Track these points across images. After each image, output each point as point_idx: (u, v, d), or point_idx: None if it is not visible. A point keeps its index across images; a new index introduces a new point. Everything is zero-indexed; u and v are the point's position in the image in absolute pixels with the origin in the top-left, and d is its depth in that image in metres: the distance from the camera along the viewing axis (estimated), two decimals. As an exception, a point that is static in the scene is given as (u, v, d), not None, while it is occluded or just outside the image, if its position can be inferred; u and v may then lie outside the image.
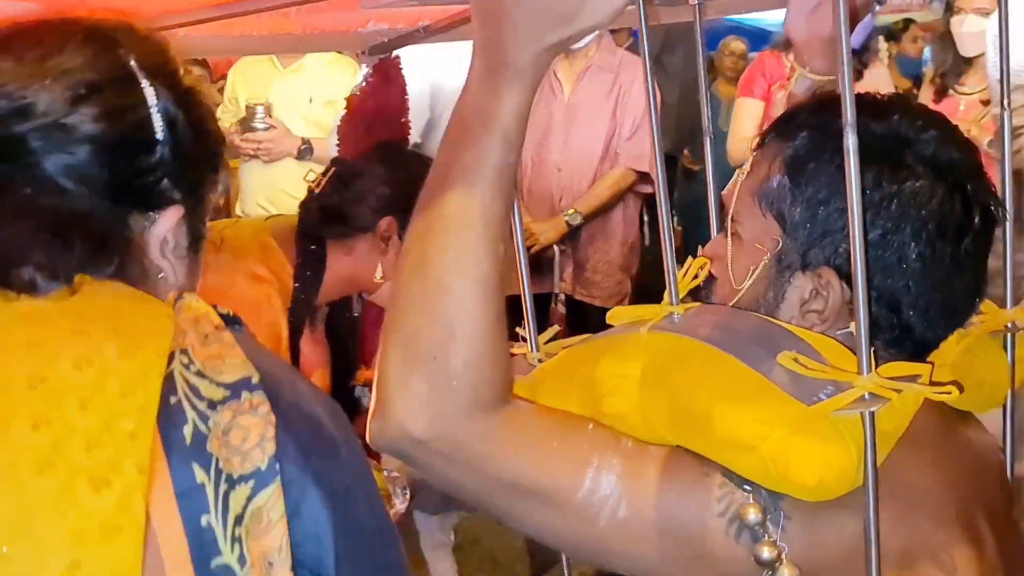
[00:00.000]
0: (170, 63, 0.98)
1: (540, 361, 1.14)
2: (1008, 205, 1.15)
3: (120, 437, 0.81)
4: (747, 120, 3.95)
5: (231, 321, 0.93)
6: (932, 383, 0.97)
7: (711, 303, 1.10)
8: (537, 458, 0.93)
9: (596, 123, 3.58)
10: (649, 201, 3.94)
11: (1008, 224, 1.15)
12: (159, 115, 0.94)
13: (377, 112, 2.59)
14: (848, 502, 0.90)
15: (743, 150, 3.57)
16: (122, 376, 0.83)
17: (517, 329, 1.19)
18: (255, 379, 0.84)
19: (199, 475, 0.82)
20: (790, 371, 0.93)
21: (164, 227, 0.95)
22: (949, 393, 0.93)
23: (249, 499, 0.82)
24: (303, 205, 2.05)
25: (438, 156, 0.95)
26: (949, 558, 0.97)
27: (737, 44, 6.10)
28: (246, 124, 3.84)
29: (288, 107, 3.87)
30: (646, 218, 4.16)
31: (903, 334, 1.02)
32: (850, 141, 0.86)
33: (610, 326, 1.09)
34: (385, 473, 1.67)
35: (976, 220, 1.01)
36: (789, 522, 0.91)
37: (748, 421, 0.91)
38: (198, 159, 0.98)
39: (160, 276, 0.96)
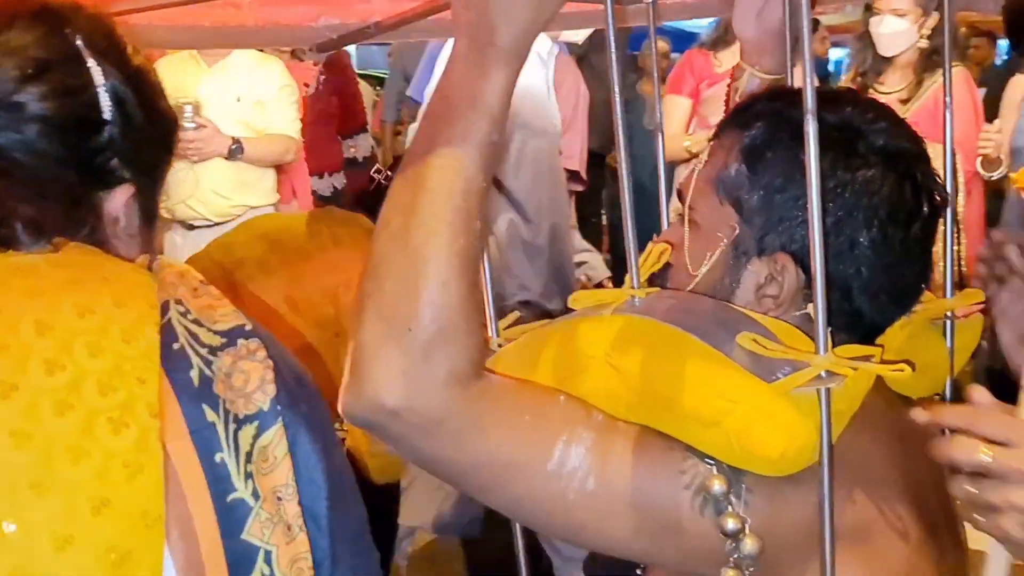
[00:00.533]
0: (118, 43, 0.99)
1: (500, 346, 1.15)
2: (950, 192, 1.20)
3: (130, 381, 0.84)
4: (676, 117, 4.00)
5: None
6: (884, 363, 1.01)
7: (667, 289, 1.13)
8: (509, 431, 0.94)
9: (563, 105, 3.56)
10: (580, 198, 3.97)
11: (950, 213, 1.20)
12: (107, 95, 0.94)
13: (340, 107, 2.59)
14: (806, 477, 0.94)
15: (672, 147, 3.64)
16: (122, 324, 0.86)
17: None
18: (248, 327, 0.89)
19: (209, 415, 0.86)
20: (750, 351, 0.97)
21: (114, 206, 0.96)
22: (903, 371, 0.97)
23: (255, 438, 0.86)
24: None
25: (420, 131, 0.97)
26: (902, 530, 1.01)
27: (660, 44, 6.21)
28: None
29: (215, 106, 3.82)
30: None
31: (854, 318, 1.06)
32: (810, 128, 0.90)
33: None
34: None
35: (925, 207, 1.06)
36: (752, 495, 0.94)
37: (711, 398, 0.94)
38: (149, 138, 0.99)
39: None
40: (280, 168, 4.03)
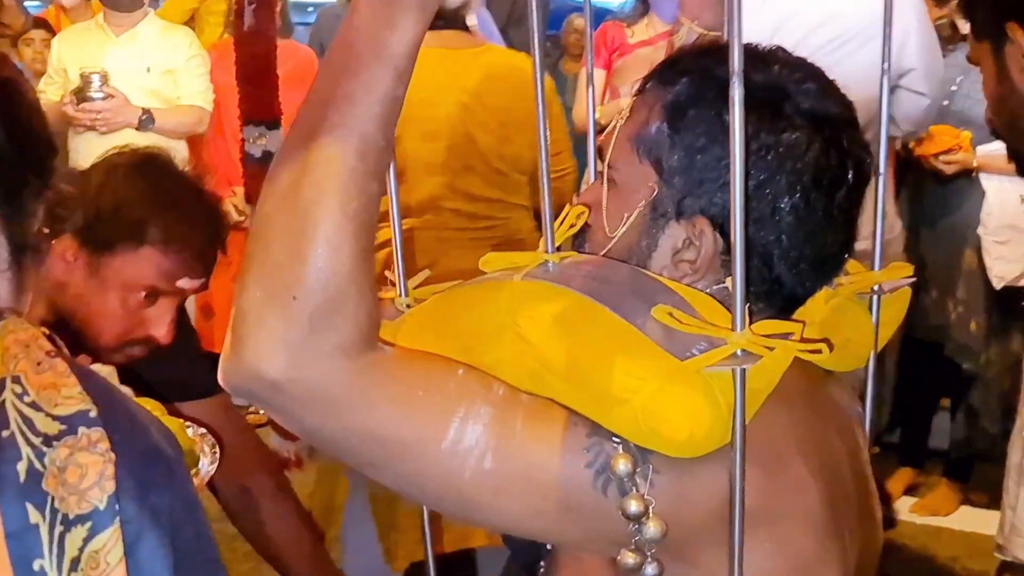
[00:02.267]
0: None
1: (409, 307, 1.09)
2: (881, 163, 1.16)
3: None
4: (587, 88, 3.94)
5: (51, 340, 0.86)
6: (803, 341, 0.97)
7: (585, 252, 1.08)
8: (400, 407, 0.89)
9: None
10: None
11: (880, 182, 1.16)
12: None
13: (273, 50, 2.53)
14: (717, 459, 0.89)
15: (585, 119, 3.58)
16: None
17: (386, 272, 1.15)
18: (92, 412, 0.79)
19: (33, 515, 0.76)
20: (664, 325, 0.92)
21: None
22: (820, 351, 0.93)
23: (86, 541, 0.77)
24: None
25: (318, 81, 0.90)
26: (813, 510, 0.97)
27: (580, 21, 6.12)
28: (81, 94, 3.70)
29: (124, 77, 3.77)
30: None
31: (773, 287, 1.02)
32: (736, 92, 0.84)
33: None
34: (190, 431, 1.61)
35: (850, 174, 1.01)
36: (658, 476, 0.90)
37: (619, 374, 0.89)
38: (12, 161, 0.88)
39: None
40: (191, 140, 3.96)
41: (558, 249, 1.02)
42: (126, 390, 1.67)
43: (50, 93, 3.97)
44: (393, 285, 1.14)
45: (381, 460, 0.91)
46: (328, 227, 0.85)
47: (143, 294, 1.65)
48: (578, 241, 1.10)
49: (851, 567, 1.02)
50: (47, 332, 0.86)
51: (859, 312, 1.18)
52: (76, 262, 1.64)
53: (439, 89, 2.59)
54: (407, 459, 0.90)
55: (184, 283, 1.68)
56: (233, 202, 3.60)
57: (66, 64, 3.94)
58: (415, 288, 1.14)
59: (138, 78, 3.79)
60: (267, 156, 3.71)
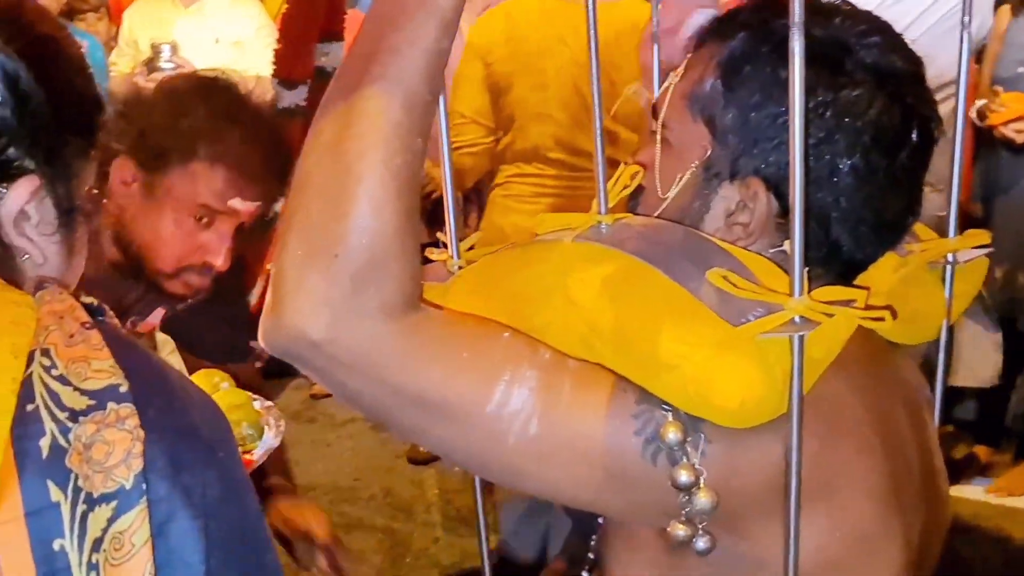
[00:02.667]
0: (13, 9, 0.85)
1: (460, 269, 1.07)
2: (959, 128, 1.10)
3: None
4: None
5: (95, 312, 0.83)
6: (866, 308, 0.92)
7: (639, 214, 1.05)
8: (444, 369, 0.86)
9: None
10: None
11: (958, 143, 1.11)
12: None
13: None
14: (772, 429, 0.86)
15: None
16: None
17: (439, 235, 1.13)
18: (123, 387, 0.76)
19: (54, 493, 0.73)
20: (719, 289, 0.88)
21: (16, 201, 0.84)
22: (882, 319, 0.89)
23: (110, 521, 0.73)
24: None
25: (362, 33, 0.88)
26: (870, 485, 0.93)
27: None
28: (152, 65, 3.73)
29: (192, 48, 3.78)
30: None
31: (831, 252, 0.97)
32: (796, 44, 0.80)
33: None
34: (257, 404, 1.60)
35: (914, 134, 0.96)
36: (710, 446, 0.87)
37: (669, 339, 0.85)
38: (55, 121, 0.86)
39: (25, 258, 0.86)
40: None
41: (612, 210, 0.99)
42: (177, 362, 1.68)
43: (122, 65, 4.02)
44: (445, 247, 1.12)
45: (424, 424, 0.89)
46: (371, 183, 0.82)
47: (197, 216, 1.63)
48: (632, 203, 1.06)
49: (913, 544, 0.98)
50: (91, 302, 0.84)
51: (931, 283, 1.13)
52: (133, 184, 1.64)
53: (553, 40, 2.61)
54: (450, 422, 0.88)
55: (236, 203, 1.65)
56: None
57: (136, 36, 3.97)
58: (467, 250, 1.12)
59: (207, 49, 3.80)
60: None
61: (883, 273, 1.03)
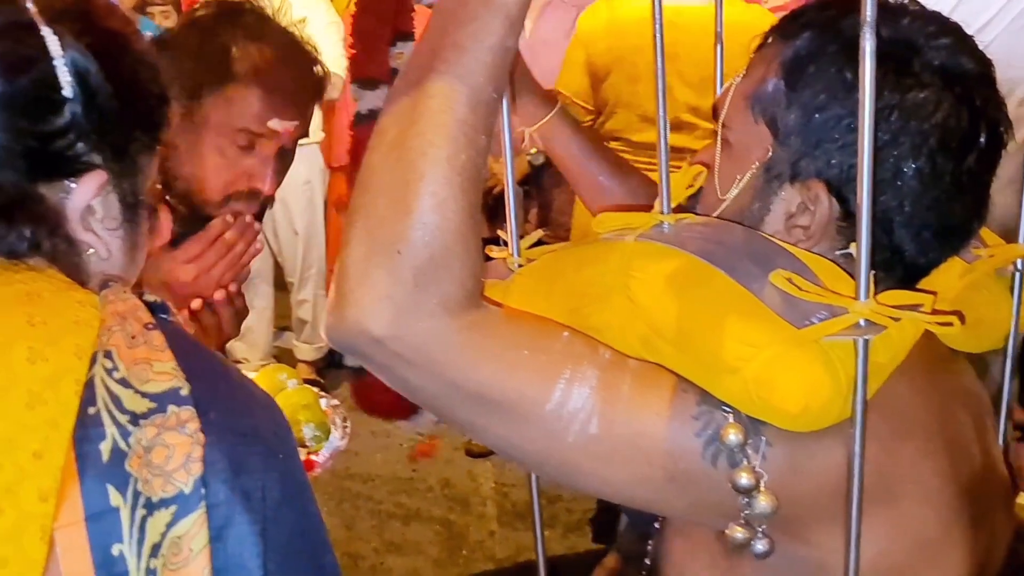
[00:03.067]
0: (83, 5, 0.85)
1: (520, 267, 1.07)
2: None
3: (22, 456, 0.71)
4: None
5: (159, 309, 0.83)
6: (933, 312, 0.91)
7: (698, 214, 1.04)
8: (504, 367, 0.86)
9: (558, 60, 3.38)
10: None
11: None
12: (66, 68, 0.81)
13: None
14: (834, 434, 0.85)
15: None
16: (31, 383, 0.73)
17: (499, 232, 1.13)
18: (184, 391, 0.76)
19: (114, 497, 0.73)
20: (782, 291, 0.87)
21: (83, 196, 0.85)
22: (951, 324, 0.87)
23: (169, 526, 0.73)
24: None
25: (427, 30, 0.88)
26: (933, 492, 0.92)
27: None
28: None
29: None
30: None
31: (893, 256, 0.95)
32: (867, 43, 0.79)
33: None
34: (324, 402, 1.58)
35: (983, 137, 0.93)
36: (771, 449, 0.86)
37: (731, 341, 0.85)
38: (122, 116, 0.86)
39: (90, 252, 0.86)
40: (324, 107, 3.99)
41: (674, 210, 0.98)
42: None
43: None
44: (506, 244, 1.12)
45: (484, 421, 0.89)
46: (435, 180, 0.82)
47: (238, 142, 1.62)
48: (690, 203, 1.06)
49: (977, 550, 0.96)
50: (154, 299, 0.84)
51: (997, 290, 1.11)
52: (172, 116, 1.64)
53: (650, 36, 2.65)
54: (510, 420, 0.88)
55: (276, 124, 1.61)
56: None
57: None
58: (527, 248, 1.12)
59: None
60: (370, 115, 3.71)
61: (948, 279, 1.01)
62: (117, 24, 0.88)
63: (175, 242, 1.63)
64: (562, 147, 1.35)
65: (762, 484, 0.85)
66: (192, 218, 1.64)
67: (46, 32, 0.81)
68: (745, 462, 0.85)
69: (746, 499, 0.86)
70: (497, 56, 0.85)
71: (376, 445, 3.86)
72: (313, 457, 1.48)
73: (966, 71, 0.93)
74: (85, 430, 0.73)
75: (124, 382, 0.75)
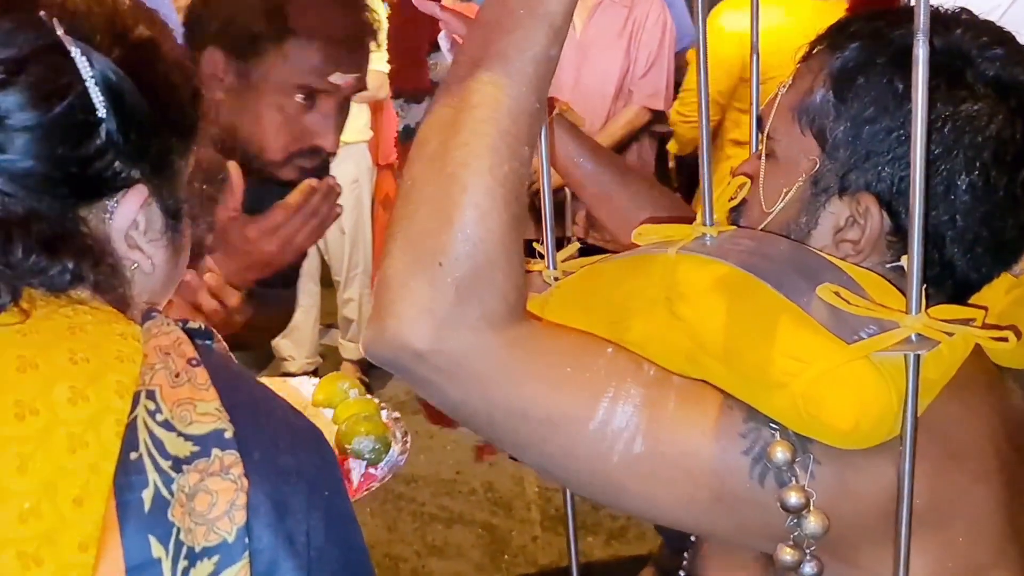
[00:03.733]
0: (109, 16, 0.83)
1: (557, 279, 1.05)
2: None
3: (62, 502, 0.69)
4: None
5: (202, 335, 0.81)
6: (985, 327, 0.88)
7: (739, 226, 1.02)
8: (547, 383, 0.84)
9: (609, 61, 3.44)
10: (664, 140, 3.80)
11: None
12: (97, 88, 0.79)
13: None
14: (884, 452, 0.82)
15: None
16: (71, 425, 0.71)
17: (535, 244, 1.11)
18: (228, 433, 0.73)
19: (155, 549, 0.70)
20: (830, 305, 0.85)
21: (127, 215, 0.82)
22: (1006, 339, 0.85)
23: None
24: None
25: (469, 38, 0.87)
26: (987, 516, 0.89)
27: None
28: None
29: None
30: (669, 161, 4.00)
31: (944, 271, 0.93)
32: (920, 51, 0.77)
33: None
34: (384, 414, 1.53)
35: None
36: (819, 467, 0.83)
37: (780, 356, 0.82)
38: (158, 127, 0.84)
39: (134, 266, 0.84)
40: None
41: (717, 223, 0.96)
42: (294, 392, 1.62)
43: None
44: (542, 257, 1.10)
45: (526, 438, 0.87)
46: (477, 191, 0.81)
47: (299, 96, 1.57)
48: (733, 216, 1.04)
49: None
50: (199, 326, 0.82)
51: None
52: (227, 76, 1.58)
53: (788, 42, 2.74)
54: (553, 438, 0.86)
55: (337, 78, 1.56)
56: None
57: None
58: (563, 260, 1.10)
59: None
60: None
61: (995, 293, 0.98)
62: (145, 30, 0.85)
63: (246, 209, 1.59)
64: (561, 152, 1.33)
65: (811, 504, 0.83)
66: (257, 180, 1.59)
67: (75, 53, 0.79)
68: (794, 481, 0.83)
69: (795, 519, 0.84)
70: (541, 66, 0.83)
71: (420, 446, 3.84)
72: (372, 471, 1.42)
73: (1020, 83, 0.91)
74: (127, 477, 0.71)
75: (167, 425, 0.73)
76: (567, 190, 3.48)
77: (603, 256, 1.02)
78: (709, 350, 0.86)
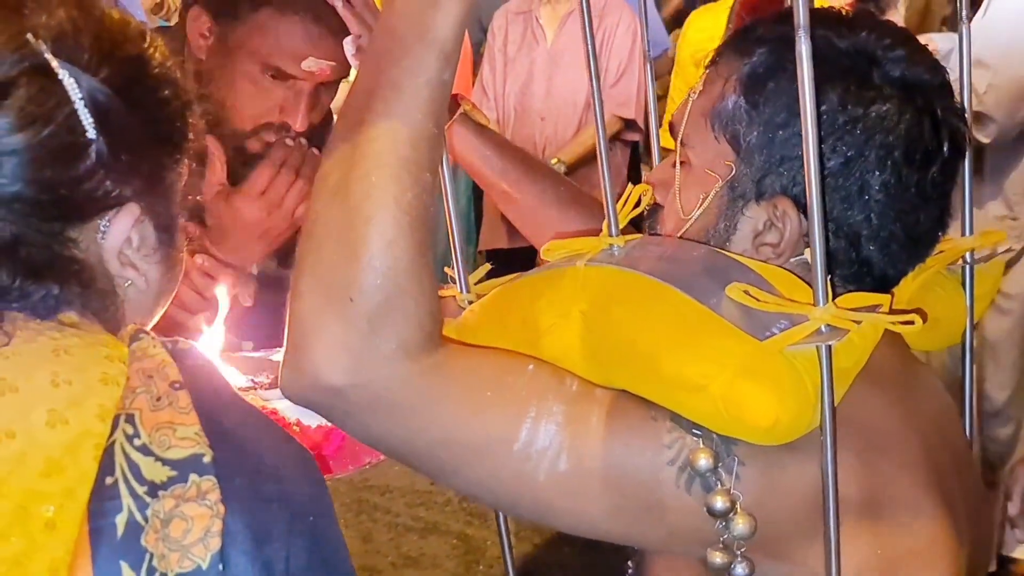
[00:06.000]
0: (95, 34, 0.80)
1: (471, 303, 1.05)
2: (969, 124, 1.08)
3: (34, 527, 0.68)
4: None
5: (191, 355, 0.80)
6: (892, 312, 0.90)
7: (656, 234, 1.02)
8: (468, 408, 0.84)
9: (580, 70, 3.46)
10: (636, 148, 3.84)
11: (968, 148, 1.08)
12: (86, 109, 0.77)
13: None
14: (805, 445, 0.83)
15: None
16: (49, 450, 0.70)
17: (446, 269, 1.10)
18: (207, 458, 0.72)
19: (127, 575, 0.69)
20: (740, 304, 0.86)
21: (119, 234, 0.81)
22: (912, 323, 0.86)
23: None
24: None
25: (362, 68, 0.86)
26: (917, 501, 0.90)
27: None
28: None
29: None
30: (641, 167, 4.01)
31: (862, 269, 0.95)
32: (803, 47, 0.78)
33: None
34: None
35: (945, 146, 0.93)
36: (743, 468, 0.84)
37: (696, 359, 0.83)
38: (148, 144, 0.83)
39: (128, 284, 0.83)
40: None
41: (622, 232, 0.96)
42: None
43: None
44: (454, 282, 1.09)
45: (451, 465, 0.86)
46: (381, 221, 0.80)
47: (268, 74, 1.52)
48: (649, 223, 1.04)
49: (964, 556, 0.94)
50: (188, 346, 0.80)
51: (950, 286, 1.10)
52: (210, 38, 1.55)
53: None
54: (478, 464, 0.85)
55: (311, 64, 1.51)
56: None
57: None
58: (475, 283, 1.10)
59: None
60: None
61: (903, 281, 1.00)
62: (132, 46, 0.83)
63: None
64: (467, 151, 1.32)
65: (738, 506, 0.83)
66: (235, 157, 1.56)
67: (62, 74, 0.76)
68: (719, 485, 0.83)
69: (723, 523, 0.84)
70: (435, 91, 0.83)
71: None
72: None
73: (924, 81, 0.93)
74: (101, 503, 0.70)
75: (144, 449, 0.72)
76: None
77: (514, 276, 1.02)
78: (625, 360, 0.86)
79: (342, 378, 0.80)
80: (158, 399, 0.74)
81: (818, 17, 0.86)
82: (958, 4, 1.11)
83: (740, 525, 0.83)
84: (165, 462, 0.72)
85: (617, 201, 1.01)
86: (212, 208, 1.55)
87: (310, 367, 0.80)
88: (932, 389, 1.04)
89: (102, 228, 0.81)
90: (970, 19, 1.12)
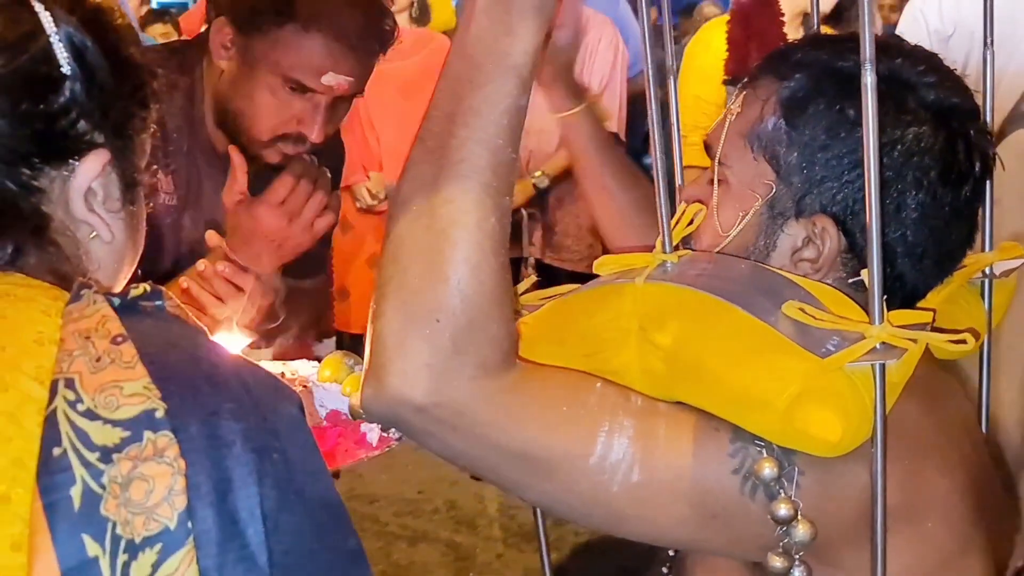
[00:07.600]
0: None
1: (519, 314, 1.07)
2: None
3: None
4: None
5: (150, 297, 0.77)
6: (935, 330, 0.94)
7: (691, 249, 1.05)
8: (546, 425, 0.87)
9: (593, 71, 3.47)
10: None
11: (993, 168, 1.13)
12: (62, 44, 0.79)
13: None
14: (857, 456, 0.87)
15: None
16: None
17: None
18: (159, 412, 0.69)
19: (91, 547, 0.66)
20: (795, 321, 0.89)
21: (86, 176, 0.82)
22: (965, 342, 0.91)
23: (155, 566, 0.66)
24: None
25: (439, 92, 0.88)
26: (953, 506, 0.95)
27: (710, 9, 5.68)
28: None
29: None
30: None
31: (894, 284, 0.99)
32: (868, 79, 0.82)
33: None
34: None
35: (977, 166, 0.98)
36: (803, 477, 0.88)
37: (761, 376, 0.86)
38: (119, 92, 0.84)
39: (92, 236, 0.83)
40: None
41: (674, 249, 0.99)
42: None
43: None
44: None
45: (528, 479, 0.90)
46: (467, 246, 0.83)
47: (289, 87, 1.56)
48: (685, 241, 1.07)
49: (994, 559, 0.99)
50: (144, 289, 0.77)
51: (972, 299, 1.14)
52: (232, 48, 1.59)
53: None
54: (555, 477, 0.89)
55: (330, 79, 1.55)
56: (367, 186, 3.51)
57: None
58: (520, 295, 1.12)
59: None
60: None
61: (929, 295, 1.04)
62: (101, 1, 0.85)
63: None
64: (581, 141, 1.38)
65: (799, 513, 0.87)
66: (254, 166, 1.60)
67: (38, 7, 0.79)
68: (782, 493, 0.87)
69: (785, 529, 0.88)
70: (513, 117, 0.86)
71: (381, 466, 3.78)
72: (384, 434, 1.42)
73: (956, 105, 0.98)
74: (51, 477, 0.66)
75: (90, 414, 0.68)
76: (524, 211, 3.50)
77: (566, 288, 1.04)
78: (688, 376, 0.89)
79: (425, 396, 0.83)
80: (98, 359, 0.71)
81: (850, 47, 0.90)
82: (984, 30, 1.15)
83: (801, 531, 0.87)
84: (116, 423, 0.69)
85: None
86: (232, 216, 1.59)
87: (394, 386, 0.83)
88: (959, 397, 1.09)
89: (71, 168, 0.81)
90: (992, 43, 1.16)
